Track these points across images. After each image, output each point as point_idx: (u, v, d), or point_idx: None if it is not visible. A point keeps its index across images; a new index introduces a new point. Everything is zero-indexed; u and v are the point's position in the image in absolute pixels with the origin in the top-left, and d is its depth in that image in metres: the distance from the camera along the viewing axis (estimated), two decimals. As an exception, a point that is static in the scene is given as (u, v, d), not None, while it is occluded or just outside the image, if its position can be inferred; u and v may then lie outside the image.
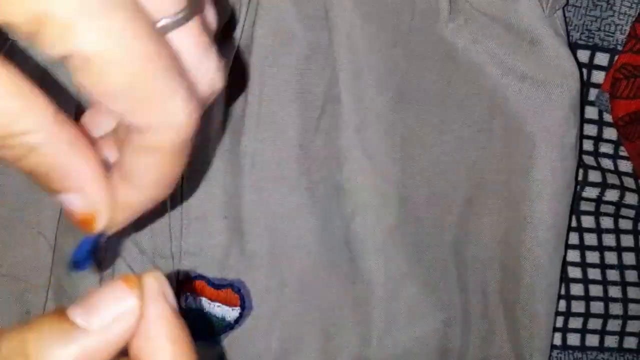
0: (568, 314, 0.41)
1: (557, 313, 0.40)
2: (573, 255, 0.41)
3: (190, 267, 0.37)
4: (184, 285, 0.37)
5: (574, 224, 0.41)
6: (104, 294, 0.20)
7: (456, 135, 0.38)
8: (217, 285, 0.37)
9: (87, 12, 0.17)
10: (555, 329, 0.40)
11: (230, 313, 0.37)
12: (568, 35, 0.39)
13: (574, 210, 0.41)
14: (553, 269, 0.38)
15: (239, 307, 0.37)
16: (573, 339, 0.41)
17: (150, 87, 0.19)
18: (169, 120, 0.20)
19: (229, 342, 0.38)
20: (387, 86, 0.37)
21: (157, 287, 0.21)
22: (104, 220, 0.22)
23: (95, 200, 0.22)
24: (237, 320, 0.37)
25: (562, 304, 0.41)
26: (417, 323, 0.39)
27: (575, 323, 0.41)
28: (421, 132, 0.38)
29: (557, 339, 0.41)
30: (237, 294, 0.37)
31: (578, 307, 0.41)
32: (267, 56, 0.36)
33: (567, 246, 0.40)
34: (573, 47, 0.39)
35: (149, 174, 0.22)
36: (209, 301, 0.37)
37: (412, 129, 0.38)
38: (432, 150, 0.38)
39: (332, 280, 0.38)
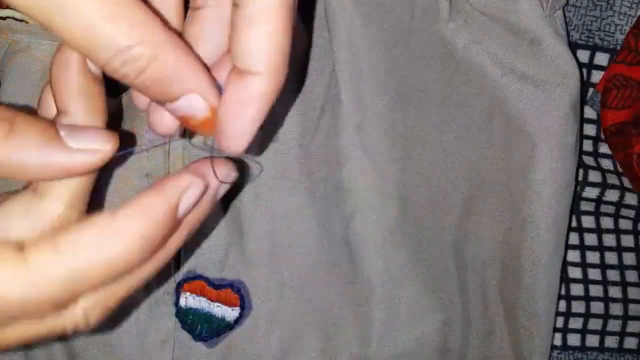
0: (568, 314, 0.41)
1: (558, 313, 0.40)
2: (573, 256, 0.41)
3: (190, 267, 0.37)
4: (183, 285, 0.37)
5: (574, 224, 0.41)
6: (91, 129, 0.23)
7: (456, 135, 0.38)
8: (217, 285, 0.37)
9: None
10: (555, 329, 0.40)
11: (230, 313, 0.37)
12: (568, 35, 0.39)
13: (574, 210, 0.40)
14: (553, 269, 0.38)
15: (238, 307, 0.37)
16: (573, 339, 0.41)
17: None
18: None
19: (229, 342, 0.38)
20: (387, 86, 0.37)
21: None
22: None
23: (214, 96, 0.23)
24: (237, 321, 0.37)
25: (562, 304, 0.41)
26: (417, 323, 0.38)
27: (576, 323, 0.41)
28: (421, 132, 0.38)
29: (558, 339, 0.41)
30: (237, 294, 0.37)
31: (578, 307, 0.41)
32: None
33: (567, 246, 0.40)
34: (573, 46, 0.39)
35: (267, 46, 0.22)
36: (209, 301, 0.37)
37: (412, 128, 0.38)
38: (432, 150, 0.38)
39: (332, 280, 0.38)
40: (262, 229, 0.37)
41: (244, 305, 0.37)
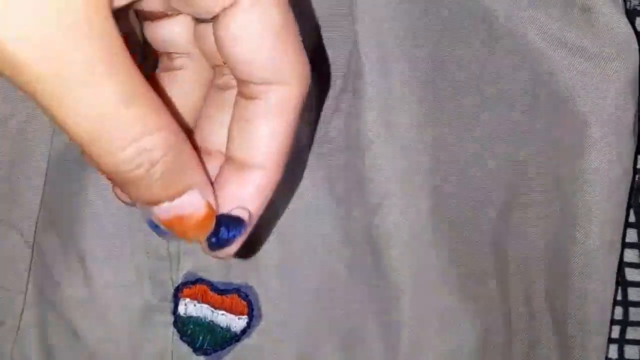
0: (625, 323, 0.39)
1: (613, 322, 0.38)
2: (631, 255, 0.39)
3: (191, 270, 0.37)
4: (182, 290, 0.37)
5: (631, 218, 0.39)
6: None
7: (496, 117, 0.36)
8: (222, 290, 0.37)
9: None
10: (610, 340, 0.39)
11: (236, 322, 0.37)
12: (625, 1, 0.37)
13: (632, 202, 0.39)
14: (608, 270, 0.36)
15: (246, 316, 0.37)
16: (632, 352, 0.39)
17: (289, 51, 0.23)
18: (299, 76, 0.23)
19: (235, 355, 0.37)
20: (416, 60, 0.36)
21: None
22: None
23: (210, 193, 0.23)
24: (244, 331, 0.37)
25: (619, 311, 0.39)
26: (452, 334, 0.37)
27: (634, 333, 0.39)
28: (455, 113, 0.36)
29: (613, 352, 0.39)
30: (245, 300, 0.37)
31: (637, 315, 0.39)
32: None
33: (625, 244, 0.38)
34: (631, 14, 0.38)
35: (275, 143, 0.23)
36: (212, 309, 0.37)
37: (446, 109, 0.36)
38: (468, 133, 0.37)
39: (352, 284, 0.37)
40: (272, 226, 0.37)
41: (252, 314, 0.37)
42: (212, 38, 0.23)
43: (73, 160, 0.36)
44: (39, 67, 0.18)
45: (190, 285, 0.36)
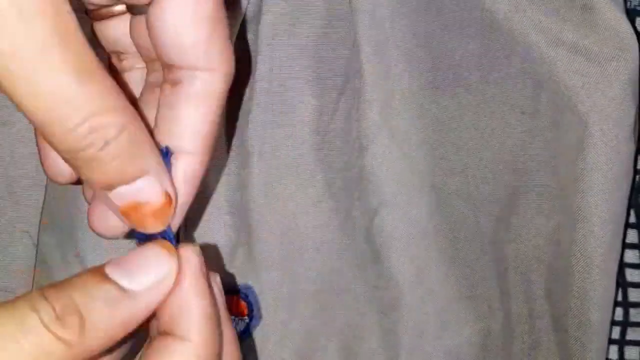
0: (626, 324, 0.39)
1: (614, 322, 0.38)
2: (632, 256, 0.39)
3: None
4: None
5: (632, 219, 0.39)
6: (142, 256, 0.22)
7: (496, 116, 0.36)
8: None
9: None
10: (611, 341, 0.38)
11: (236, 323, 0.37)
12: (625, 0, 0.37)
13: (633, 203, 0.38)
14: (608, 271, 0.36)
15: (246, 317, 0.37)
16: (632, 353, 0.39)
17: (217, 40, 0.24)
18: (224, 64, 0.24)
19: None
20: (416, 59, 0.36)
21: (195, 259, 0.23)
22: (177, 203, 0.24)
23: (167, 181, 0.23)
24: (245, 332, 0.37)
25: (619, 312, 0.39)
26: (452, 334, 0.37)
27: (635, 334, 0.39)
28: (456, 113, 0.36)
29: (614, 353, 0.39)
30: (245, 301, 0.36)
31: (638, 316, 0.39)
32: (278, 25, 0.35)
33: (625, 245, 0.38)
34: (631, 13, 0.37)
35: (202, 128, 0.24)
36: None
37: (446, 109, 0.36)
38: (468, 133, 0.37)
39: (353, 285, 0.37)
40: (272, 226, 0.37)
41: (253, 315, 0.37)
42: (145, 31, 0.24)
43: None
44: None
45: (190, 286, 0.37)
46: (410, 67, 0.36)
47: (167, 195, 0.23)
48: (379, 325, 0.37)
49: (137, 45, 0.27)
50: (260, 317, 0.37)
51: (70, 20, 0.19)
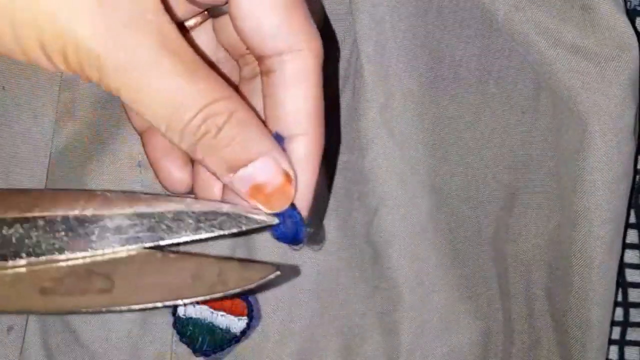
0: (626, 324, 0.39)
1: (613, 322, 0.38)
2: (632, 256, 0.39)
3: None
4: None
5: (632, 219, 0.39)
6: None
7: (496, 116, 0.36)
8: None
9: None
10: (611, 341, 0.38)
11: (236, 323, 0.36)
12: (625, 0, 0.37)
13: (633, 203, 0.38)
14: (609, 271, 0.36)
15: (246, 317, 0.36)
16: (632, 353, 0.39)
17: (297, 20, 0.24)
18: (310, 42, 0.24)
19: (235, 356, 0.37)
20: (416, 59, 0.36)
21: None
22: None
23: (286, 160, 0.24)
24: (244, 332, 0.36)
25: (619, 312, 0.39)
26: (452, 333, 0.37)
27: (634, 334, 0.39)
28: (456, 113, 0.36)
29: (614, 353, 0.39)
30: (244, 301, 0.36)
31: (638, 316, 0.39)
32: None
33: (625, 245, 0.37)
34: (631, 13, 0.37)
35: (300, 108, 0.25)
36: (211, 310, 0.36)
37: (446, 109, 0.36)
38: (468, 133, 0.37)
39: (353, 285, 0.37)
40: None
41: (252, 315, 0.36)
42: (229, 27, 0.25)
43: (73, 159, 0.36)
44: (112, 57, 0.21)
45: (190, 286, 0.37)
46: (410, 67, 0.35)
47: (286, 174, 0.24)
48: (379, 325, 0.37)
49: (224, 45, 0.28)
50: (259, 317, 0.36)
51: (171, 30, 0.22)
